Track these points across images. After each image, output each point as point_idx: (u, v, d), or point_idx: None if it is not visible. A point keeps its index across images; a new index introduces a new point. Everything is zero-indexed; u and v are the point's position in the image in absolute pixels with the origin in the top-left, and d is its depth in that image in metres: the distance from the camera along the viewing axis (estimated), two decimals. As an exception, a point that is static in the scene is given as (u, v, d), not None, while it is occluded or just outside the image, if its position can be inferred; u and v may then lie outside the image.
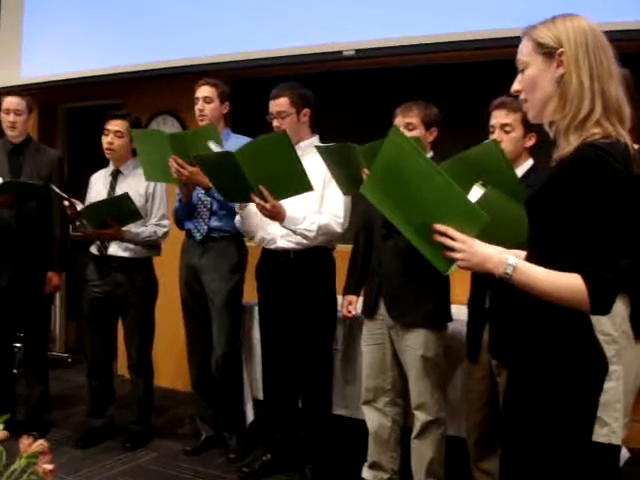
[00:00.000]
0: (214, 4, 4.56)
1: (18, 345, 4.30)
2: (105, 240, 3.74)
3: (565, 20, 1.64)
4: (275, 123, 3.28)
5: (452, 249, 1.68)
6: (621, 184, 1.53)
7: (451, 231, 1.68)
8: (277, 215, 3.04)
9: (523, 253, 1.74)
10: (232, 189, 3.04)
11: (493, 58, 3.52)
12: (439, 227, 1.69)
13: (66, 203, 3.59)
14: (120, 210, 3.59)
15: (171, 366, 4.78)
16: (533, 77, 1.67)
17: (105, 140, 3.79)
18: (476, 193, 2.10)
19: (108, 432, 3.95)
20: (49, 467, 1.30)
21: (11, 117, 3.84)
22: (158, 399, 4.13)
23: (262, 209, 2.98)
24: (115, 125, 3.77)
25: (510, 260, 1.61)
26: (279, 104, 3.27)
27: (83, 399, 4.35)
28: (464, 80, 3.98)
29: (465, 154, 2.54)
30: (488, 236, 1.73)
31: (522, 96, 1.72)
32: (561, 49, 1.60)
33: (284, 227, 3.13)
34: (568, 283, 1.53)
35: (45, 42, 5.45)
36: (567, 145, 1.59)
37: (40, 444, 1.32)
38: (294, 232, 3.16)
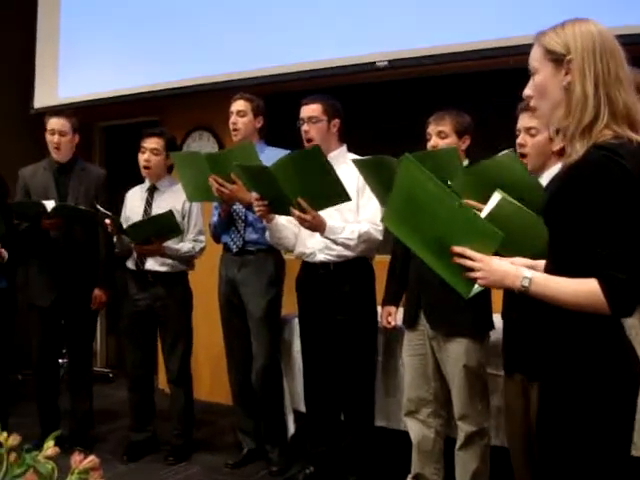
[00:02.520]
0: (248, 20, 4.59)
1: (62, 361, 4.36)
2: (146, 255, 3.78)
3: (574, 25, 1.63)
4: (305, 127, 3.31)
5: (471, 269, 1.69)
6: (632, 184, 1.52)
7: (468, 252, 1.70)
8: (318, 226, 3.05)
9: (542, 263, 1.74)
10: (272, 201, 3.06)
11: (526, 65, 3.49)
12: (456, 249, 1.71)
13: (107, 221, 3.63)
14: (162, 227, 3.63)
15: (210, 379, 4.81)
16: (542, 83, 1.67)
17: (142, 158, 3.84)
18: (495, 199, 2.10)
19: (151, 446, 3.98)
20: (100, 483, 1.32)
21: (56, 138, 3.89)
22: (198, 412, 4.15)
23: (302, 221, 2.99)
24: (151, 143, 3.82)
25: (526, 273, 1.63)
26: (312, 109, 3.31)
27: (125, 414, 4.39)
28: (498, 88, 3.95)
29: (482, 166, 2.53)
30: (506, 247, 1.74)
31: (532, 102, 1.71)
32: (569, 56, 1.60)
33: (325, 238, 3.14)
34: (584, 289, 1.54)
35: (81, 61, 5.53)
36: (574, 152, 1.60)
37: (91, 460, 1.33)
38: (335, 242, 3.17)
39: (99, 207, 3.67)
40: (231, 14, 4.67)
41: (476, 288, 1.76)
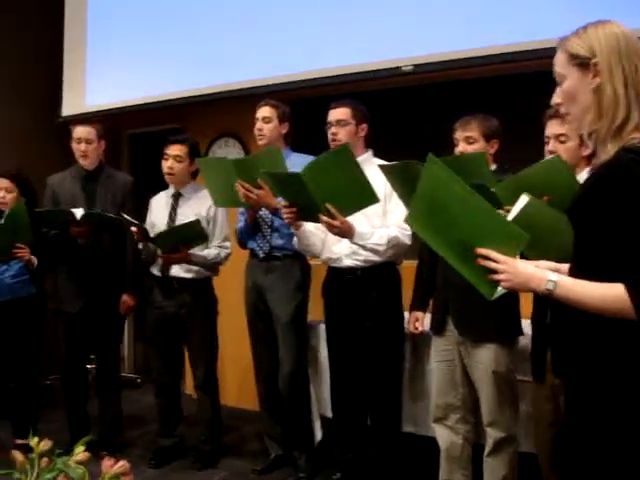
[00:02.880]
0: (271, 26, 4.61)
1: (90, 367, 4.40)
2: (173, 264, 3.78)
3: (597, 28, 1.61)
4: (333, 130, 3.31)
5: (495, 271, 1.68)
6: None
7: (493, 254, 1.68)
8: (347, 231, 3.04)
9: (567, 267, 1.73)
10: (301, 208, 3.06)
11: (551, 68, 3.47)
12: (481, 251, 1.69)
13: (133, 229, 3.66)
14: (189, 235, 3.64)
15: (236, 385, 4.81)
16: (571, 89, 1.65)
17: (165, 165, 3.85)
18: (522, 201, 2.08)
19: (178, 451, 4.00)
20: (130, 488, 1.33)
21: (82, 146, 3.94)
22: (224, 418, 4.15)
23: (331, 227, 2.98)
24: (174, 150, 3.83)
25: (551, 276, 1.61)
26: (340, 112, 3.31)
27: (152, 419, 4.42)
28: (524, 91, 3.93)
29: (528, 172, 2.50)
30: (532, 249, 1.72)
31: (563, 109, 1.70)
32: (595, 59, 1.58)
33: (354, 243, 3.13)
34: (610, 293, 1.52)
35: (107, 70, 5.59)
36: (605, 154, 1.58)
37: (122, 465, 1.34)
38: (364, 248, 3.16)
39: (125, 216, 3.69)
40: (256, 21, 4.69)
41: (500, 290, 1.74)
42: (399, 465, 3.41)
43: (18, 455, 1.44)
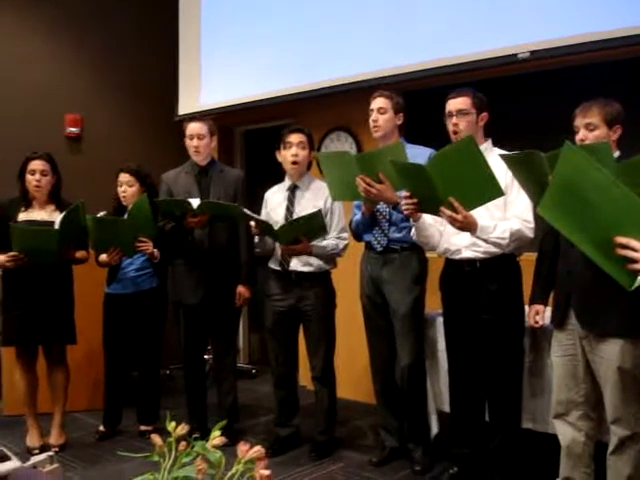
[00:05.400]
0: (380, 18, 4.61)
1: (207, 357, 4.54)
2: (294, 255, 3.83)
3: None
4: (454, 120, 3.26)
5: (635, 261, 1.61)
6: None
7: (633, 242, 1.63)
8: (469, 226, 3.01)
9: None
10: (422, 200, 3.05)
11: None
12: (620, 240, 1.64)
13: (252, 223, 3.73)
14: (311, 226, 3.67)
15: (350, 377, 4.84)
16: None
17: (289, 153, 3.86)
18: None
19: (294, 441, 4.07)
20: (266, 473, 1.35)
21: (195, 142, 4.05)
22: (338, 410, 4.18)
23: (454, 221, 2.96)
24: (298, 137, 3.87)
25: None
26: (461, 102, 3.26)
27: (268, 409, 4.52)
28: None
29: None
30: None
31: None
32: None
33: (477, 238, 3.09)
34: None
35: (221, 69, 5.76)
36: None
37: (257, 450, 1.38)
38: (486, 241, 3.12)
39: (246, 210, 3.76)
40: (366, 13, 4.70)
41: (639, 280, 1.68)
42: (518, 462, 3.35)
43: (157, 439, 1.50)
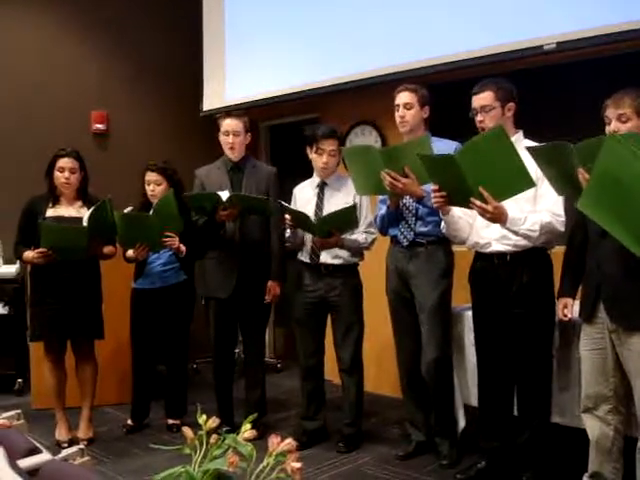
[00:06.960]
0: (405, 11, 4.59)
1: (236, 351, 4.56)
2: (327, 248, 3.84)
3: None
4: (479, 117, 3.23)
5: None
6: None
7: None
8: (499, 217, 2.99)
9: None
10: (450, 192, 3.04)
11: None
12: None
13: (287, 216, 3.75)
14: (345, 220, 3.70)
15: (376, 370, 4.84)
16: None
17: (320, 160, 3.87)
18: None
19: (322, 434, 4.08)
20: (297, 465, 1.36)
21: (230, 138, 4.06)
22: (365, 403, 4.16)
23: (484, 212, 2.95)
24: (330, 145, 3.86)
25: None
26: (483, 98, 3.23)
27: (294, 403, 4.54)
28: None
29: None
30: None
31: None
32: None
33: (507, 229, 3.08)
34: None
35: (245, 65, 5.78)
36: None
37: (288, 443, 1.38)
38: (516, 234, 3.10)
39: (284, 203, 3.78)
40: (391, 6, 4.68)
41: None
42: (547, 455, 3.32)
43: (188, 432, 1.51)
